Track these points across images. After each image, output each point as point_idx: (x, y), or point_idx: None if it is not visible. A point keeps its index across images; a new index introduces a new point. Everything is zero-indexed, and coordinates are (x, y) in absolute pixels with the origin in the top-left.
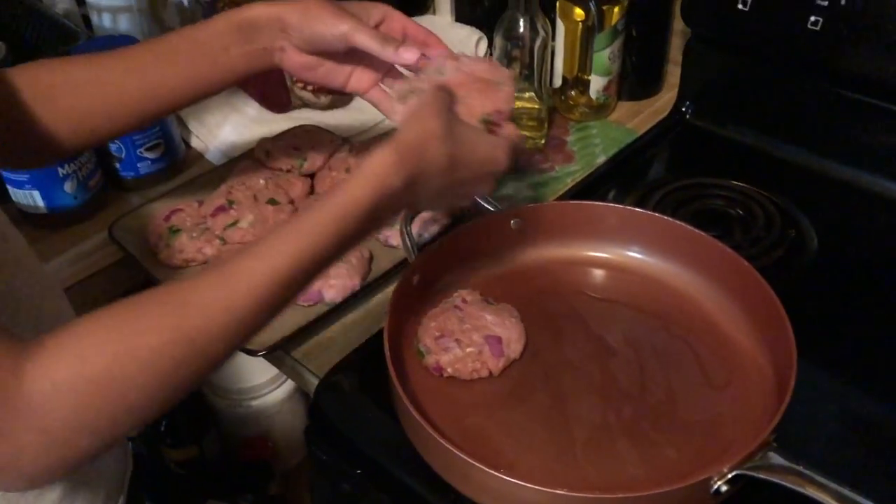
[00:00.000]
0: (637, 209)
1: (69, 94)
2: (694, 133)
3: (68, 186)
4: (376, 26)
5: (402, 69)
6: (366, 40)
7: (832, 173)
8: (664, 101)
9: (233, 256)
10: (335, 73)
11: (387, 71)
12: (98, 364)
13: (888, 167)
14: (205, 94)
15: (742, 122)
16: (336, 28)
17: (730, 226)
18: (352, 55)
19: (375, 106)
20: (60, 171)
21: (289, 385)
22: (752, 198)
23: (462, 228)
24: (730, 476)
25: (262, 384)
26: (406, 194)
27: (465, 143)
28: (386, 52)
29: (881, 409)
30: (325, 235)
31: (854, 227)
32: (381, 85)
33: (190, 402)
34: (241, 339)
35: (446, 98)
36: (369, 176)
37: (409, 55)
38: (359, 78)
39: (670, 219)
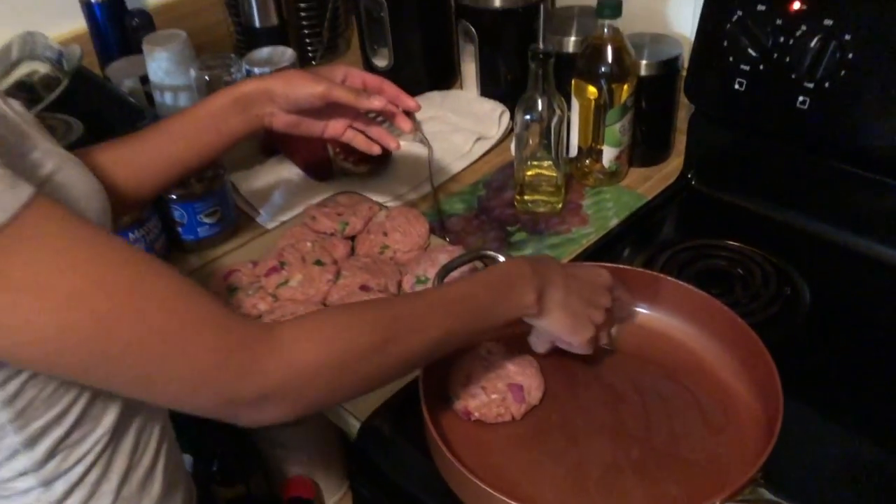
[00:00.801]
0: (644, 270)
1: (120, 169)
2: (698, 197)
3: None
4: (342, 82)
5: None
6: (342, 95)
7: (826, 236)
8: (673, 166)
9: (429, 297)
10: (314, 126)
11: (354, 117)
12: (334, 348)
13: (876, 230)
14: (215, 155)
15: (742, 187)
16: (314, 90)
17: (731, 284)
18: (325, 110)
19: (349, 143)
20: (131, 235)
21: (331, 428)
22: (751, 258)
23: None
24: None
25: (307, 428)
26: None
27: (572, 267)
28: (360, 102)
29: (867, 451)
30: (479, 316)
31: (845, 286)
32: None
33: (238, 444)
34: (416, 363)
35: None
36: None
37: (377, 103)
38: (333, 126)
39: (674, 280)
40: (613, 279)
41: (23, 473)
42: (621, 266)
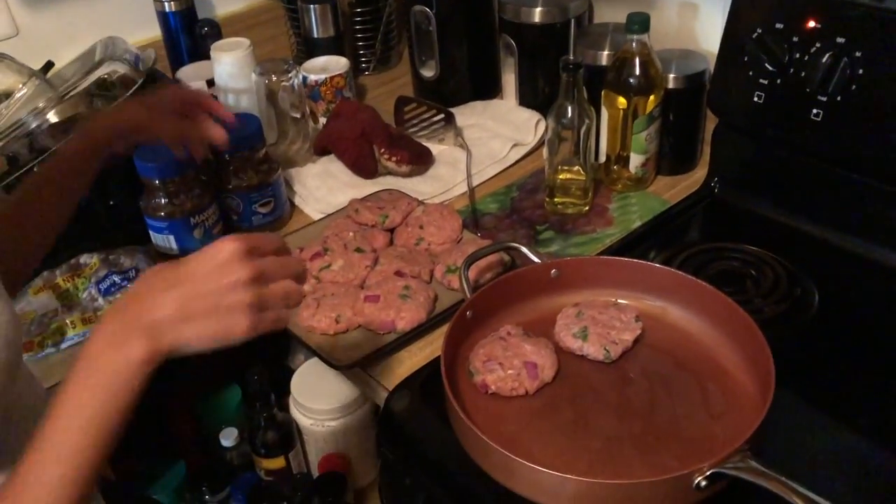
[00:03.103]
0: (657, 265)
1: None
2: (720, 204)
3: (197, 233)
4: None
5: None
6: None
7: (837, 242)
8: (698, 175)
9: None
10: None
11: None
12: None
13: (885, 238)
14: (82, 192)
15: (761, 195)
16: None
17: (743, 283)
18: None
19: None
20: (192, 220)
21: (365, 410)
22: (764, 261)
23: (510, 275)
24: (708, 473)
25: (343, 406)
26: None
27: (181, 265)
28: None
29: (857, 443)
30: (94, 415)
31: (853, 290)
32: None
33: (280, 420)
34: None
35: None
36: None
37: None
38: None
39: (683, 273)
40: (245, 241)
41: None
42: (635, 260)
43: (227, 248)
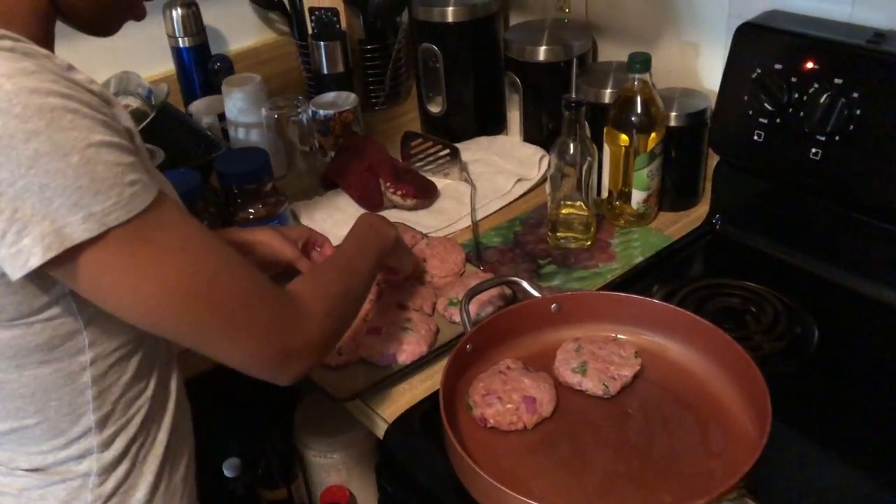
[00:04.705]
0: (657, 301)
1: None
2: (721, 241)
3: None
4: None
5: None
6: (303, 266)
7: (837, 280)
8: (701, 212)
9: (346, 257)
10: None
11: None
12: (328, 299)
13: (884, 276)
14: None
15: (761, 232)
16: (286, 256)
17: (743, 320)
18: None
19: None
20: None
21: (368, 442)
22: (765, 298)
23: (511, 309)
24: None
25: (346, 438)
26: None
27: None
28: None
29: (855, 480)
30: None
31: (853, 328)
32: None
33: (282, 451)
34: (364, 294)
35: None
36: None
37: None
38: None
39: (683, 310)
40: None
41: (84, 455)
42: (635, 296)
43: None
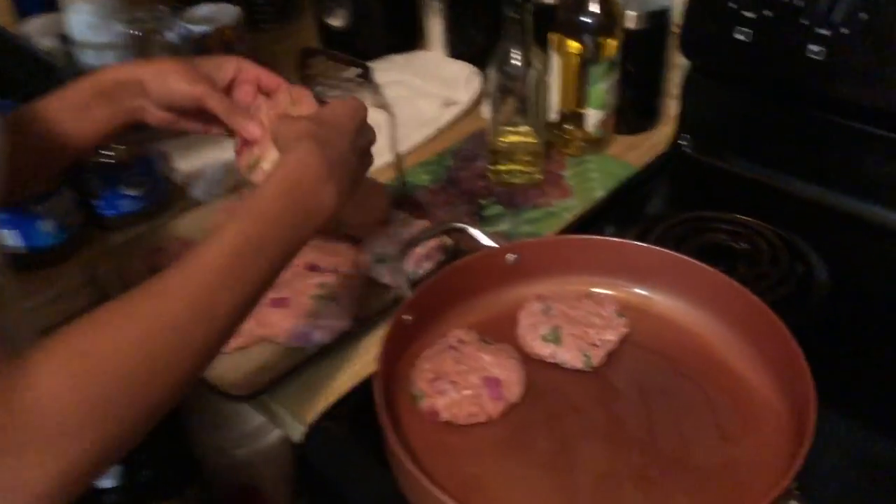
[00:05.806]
0: (640, 243)
1: None
2: (694, 166)
3: (47, 226)
4: (232, 80)
5: None
6: (216, 106)
7: (840, 205)
8: (661, 134)
9: (205, 267)
10: (194, 125)
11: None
12: (88, 359)
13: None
14: (74, 154)
15: (744, 154)
16: (189, 93)
17: (734, 261)
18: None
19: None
20: (36, 208)
21: (278, 431)
22: (756, 231)
23: (457, 264)
24: None
25: (249, 432)
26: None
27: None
28: (232, 122)
29: None
30: (268, 213)
31: (868, 262)
32: None
33: (172, 453)
34: (225, 318)
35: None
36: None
37: (253, 130)
38: (218, 126)
39: (675, 253)
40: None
41: None
42: (611, 239)
43: (360, 106)
